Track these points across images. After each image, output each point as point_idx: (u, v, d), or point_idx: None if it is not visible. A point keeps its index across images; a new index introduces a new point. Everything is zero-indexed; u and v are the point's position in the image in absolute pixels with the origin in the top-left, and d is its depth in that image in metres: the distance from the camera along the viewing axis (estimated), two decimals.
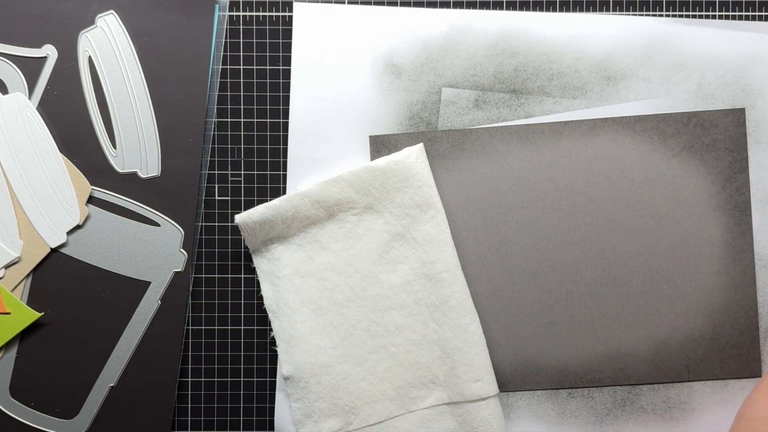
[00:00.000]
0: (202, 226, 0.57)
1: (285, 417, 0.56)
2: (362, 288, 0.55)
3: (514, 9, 0.57)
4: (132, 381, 0.55)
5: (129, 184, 0.55)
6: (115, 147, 0.55)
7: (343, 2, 0.57)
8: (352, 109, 0.56)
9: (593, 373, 0.56)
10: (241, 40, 0.57)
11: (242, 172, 0.57)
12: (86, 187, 0.55)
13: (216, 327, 0.57)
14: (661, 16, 0.57)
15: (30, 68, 0.55)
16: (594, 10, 0.57)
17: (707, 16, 0.57)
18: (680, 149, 0.56)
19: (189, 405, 0.57)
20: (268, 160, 0.57)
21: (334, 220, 0.55)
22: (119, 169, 0.55)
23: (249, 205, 0.57)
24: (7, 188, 0.55)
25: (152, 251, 0.55)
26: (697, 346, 0.56)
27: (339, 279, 0.55)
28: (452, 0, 0.56)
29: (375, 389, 0.55)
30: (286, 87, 0.57)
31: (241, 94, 0.57)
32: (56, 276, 0.55)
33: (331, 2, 0.57)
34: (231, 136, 0.57)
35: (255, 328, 0.57)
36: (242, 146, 0.57)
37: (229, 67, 0.57)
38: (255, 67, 0.57)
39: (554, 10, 0.57)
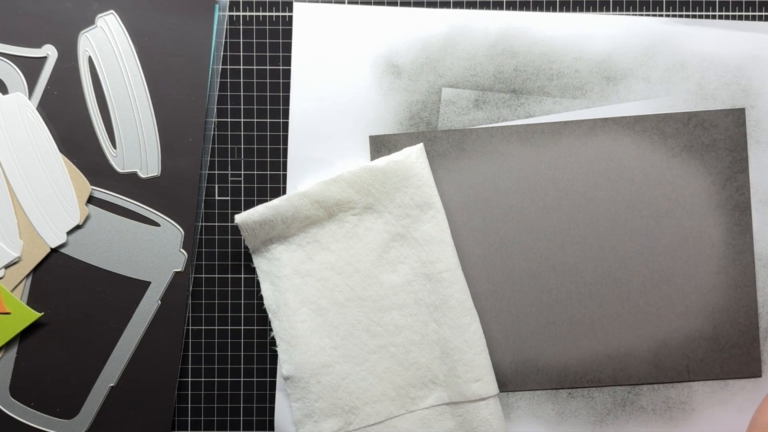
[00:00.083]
0: (202, 226, 0.57)
1: (285, 417, 0.56)
2: (362, 288, 0.55)
3: (514, 9, 0.57)
4: (132, 381, 0.55)
5: (129, 184, 0.55)
6: (115, 147, 0.55)
7: (343, 2, 0.57)
8: (352, 109, 0.56)
9: (593, 373, 0.56)
10: (241, 40, 0.57)
11: (242, 172, 0.57)
12: (86, 187, 0.55)
13: (216, 327, 0.57)
14: (661, 16, 0.57)
15: (30, 68, 0.55)
16: (594, 10, 0.57)
17: (707, 16, 0.57)
18: (680, 149, 0.56)
19: (189, 405, 0.57)
20: (268, 160, 0.57)
21: (334, 220, 0.55)
22: (119, 169, 0.55)
23: (249, 205, 0.57)
24: (7, 188, 0.55)
25: (152, 251, 0.55)
26: (697, 346, 0.56)
27: (339, 279, 0.55)
28: (452, 0, 0.56)
29: (375, 389, 0.55)
30: (286, 87, 0.57)
31: (241, 94, 0.57)
32: (56, 276, 0.55)
33: (331, 2, 0.57)
34: (231, 136, 0.57)
35: (255, 328, 0.57)
36: (242, 146, 0.57)
37: (229, 67, 0.57)
38: (255, 67, 0.57)
39: (554, 10, 0.57)
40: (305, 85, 0.56)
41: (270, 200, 0.56)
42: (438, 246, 0.54)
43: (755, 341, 0.56)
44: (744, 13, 0.57)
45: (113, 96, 0.55)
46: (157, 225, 0.55)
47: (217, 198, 0.57)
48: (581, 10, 0.57)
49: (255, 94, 0.57)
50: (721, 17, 0.57)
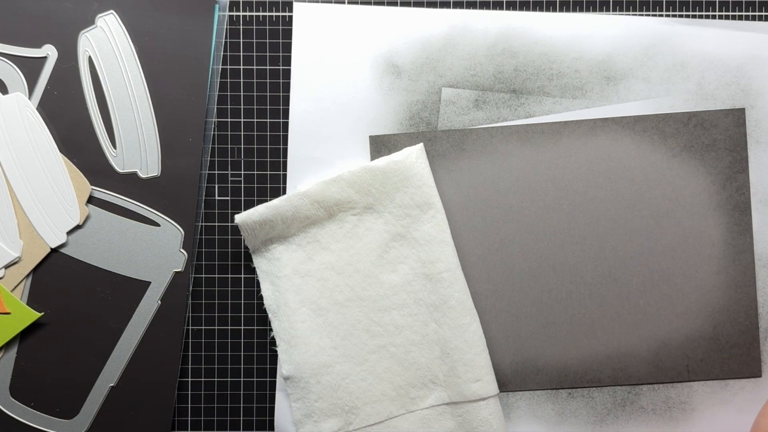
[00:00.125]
0: (202, 226, 0.57)
1: (285, 417, 0.56)
2: (362, 288, 0.55)
3: (514, 9, 0.57)
4: (132, 381, 0.55)
5: (129, 184, 0.55)
6: (115, 147, 0.55)
7: (343, 2, 0.57)
8: (352, 109, 0.56)
9: (593, 373, 0.56)
10: (241, 40, 0.57)
11: (242, 172, 0.57)
12: (86, 187, 0.55)
13: (216, 327, 0.57)
14: (661, 16, 0.57)
15: (30, 68, 0.55)
16: (594, 10, 0.57)
17: (707, 16, 0.57)
18: (680, 149, 0.56)
19: (189, 405, 0.57)
20: (268, 160, 0.57)
21: (334, 220, 0.55)
22: (119, 169, 0.55)
23: (249, 205, 0.57)
24: (7, 188, 0.55)
25: (152, 251, 0.55)
26: (697, 346, 0.56)
27: (339, 279, 0.55)
28: (452, 0, 0.56)
29: (375, 389, 0.55)
30: (286, 87, 0.57)
31: (241, 94, 0.57)
32: (56, 276, 0.55)
33: (331, 2, 0.57)
34: (231, 136, 0.57)
35: (255, 328, 0.57)
36: (242, 146, 0.57)
37: (229, 67, 0.57)
38: (255, 67, 0.57)
39: (554, 10, 0.57)
40: (305, 85, 0.56)
41: (270, 200, 0.56)
42: (438, 246, 0.54)
43: (755, 341, 0.56)
44: (744, 13, 0.57)
45: (113, 96, 0.55)
46: (157, 225, 0.55)
47: (217, 198, 0.57)
48: (581, 10, 0.57)
49: (255, 94, 0.57)
50: (721, 17, 0.57)
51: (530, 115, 0.56)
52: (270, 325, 0.56)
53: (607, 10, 0.57)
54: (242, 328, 0.57)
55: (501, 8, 0.57)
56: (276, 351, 0.56)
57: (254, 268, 0.56)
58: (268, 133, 0.57)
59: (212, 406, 0.57)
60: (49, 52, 0.55)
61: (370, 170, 0.54)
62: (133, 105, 0.55)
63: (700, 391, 0.56)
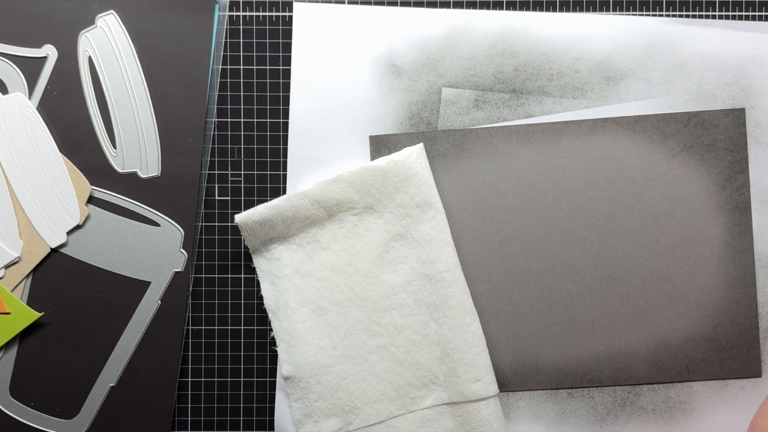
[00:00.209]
0: (202, 226, 0.57)
1: (285, 417, 0.56)
2: (362, 288, 0.55)
3: (514, 9, 0.57)
4: (132, 381, 0.55)
5: (129, 184, 0.55)
6: (115, 147, 0.55)
7: (343, 2, 0.57)
8: (352, 109, 0.56)
9: (593, 373, 0.56)
10: (241, 40, 0.57)
11: (242, 172, 0.57)
12: (86, 187, 0.55)
13: (216, 327, 0.57)
14: (661, 16, 0.57)
15: (30, 68, 0.55)
16: (594, 10, 0.57)
17: (707, 16, 0.57)
18: (680, 149, 0.56)
19: (189, 405, 0.57)
20: (268, 160, 0.57)
21: (334, 220, 0.55)
22: (119, 169, 0.55)
23: (249, 205, 0.57)
24: (7, 188, 0.55)
25: (152, 251, 0.55)
26: (697, 346, 0.56)
27: (339, 279, 0.55)
28: (452, 0, 0.56)
29: (375, 389, 0.55)
30: (286, 87, 0.57)
31: (241, 94, 0.57)
32: (56, 276, 0.55)
33: (331, 2, 0.57)
34: (231, 136, 0.57)
35: (255, 328, 0.57)
36: (242, 146, 0.57)
37: (229, 67, 0.57)
38: (255, 67, 0.57)
39: (554, 10, 0.57)
40: (305, 85, 0.56)
41: (270, 200, 0.56)
42: (438, 246, 0.54)
43: (755, 341, 0.56)
44: (744, 13, 0.57)
45: (113, 96, 0.55)
46: (157, 225, 0.55)
47: (217, 198, 0.57)
48: (581, 10, 0.57)
49: (255, 94, 0.57)
50: (721, 17, 0.57)
51: (530, 115, 0.56)
52: (270, 325, 0.56)
53: (607, 10, 0.57)
54: (242, 328, 0.57)
55: (501, 8, 0.57)
56: (276, 351, 0.56)
57: (254, 268, 0.56)
58: (268, 133, 0.57)
59: (212, 406, 0.57)
60: (49, 52, 0.55)
61: (370, 170, 0.54)
62: (133, 105, 0.55)
63: (700, 391, 0.56)
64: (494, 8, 0.57)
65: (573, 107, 0.56)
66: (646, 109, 0.56)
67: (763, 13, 0.57)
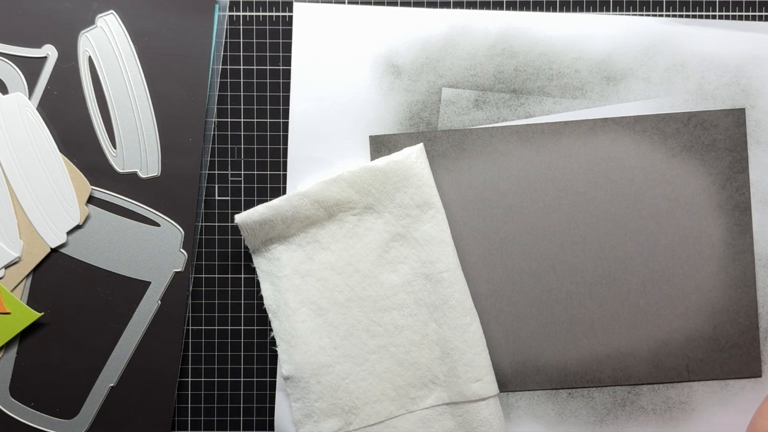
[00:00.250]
0: (202, 226, 0.57)
1: (285, 417, 0.56)
2: (362, 288, 0.55)
3: (514, 9, 0.57)
4: (132, 381, 0.55)
5: (129, 184, 0.55)
6: (115, 147, 0.55)
7: (343, 2, 0.57)
8: (352, 109, 0.56)
9: (593, 373, 0.56)
10: (241, 40, 0.57)
11: (242, 172, 0.57)
12: (86, 187, 0.55)
13: (216, 327, 0.57)
14: (661, 16, 0.57)
15: (30, 68, 0.55)
16: (594, 10, 0.57)
17: (707, 16, 0.57)
18: (680, 149, 0.56)
19: (189, 405, 0.57)
20: (268, 160, 0.57)
21: (334, 220, 0.55)
22: (119, 169, 0.55)
23: (249, 205, 0.57)
24: (7, 188, 0.55)
25: (152, 251, 0.55)
26: (697, 346, 0.56)
27: (339, 279, 0.55)
28: (452, 0, 0.56)
29: (375, 389, 0.55)
30: (286, 87, 0.57)
31: (241, 94, 0.57)
32: (56, 276, 0.55)
33: (331, 2, 0.57)
34: (231, 136, 0.57)
35: (255, 328, 0.57)
36: (242, 146, 0.57)
37: (229, 67, 0.57)
38: (255, 67, 0.57)
39: (554, 10, 0.57)
40: (305, 85, 0.56)
41: (270, 200, 0.56)
42: (438, 246, 0.54)
43: (755, 341, 0.56)
44: (744, 13, 0.57)
45: (113, 96, 0.55)
46: (157, 225, 0.55)
47: (217, 198, 0.57)
48: (581, 10, 0.57)
49: (255, 94, 0.57)
50: (721, 17, 0.57)
51: (530, 115, 0.56)
52: (270, 325, 0.56)
53: (607, 10, 0.57)
54: (242, 328, 0.57)
55: (501, 8, 0.57)
56: (276, 351, 0.56)
57: (254, 268, 0.56)
58: (268, 133, 0.57)
59: (212, 406, 0.57)
60: (49, 52, 0.55)
61: (370, 170, 0.54)
62: (133, 105, 0.55)
63: (700, 391, 0.56)
64: (494, 8, 0.57)
65: (573, 107, 0.56)
66: (646, 109, 0.56)
67: (763, 13, 0.57)
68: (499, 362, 0.56)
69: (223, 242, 0.57)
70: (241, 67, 0.57)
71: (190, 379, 0.57)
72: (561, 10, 0.57)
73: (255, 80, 0.57)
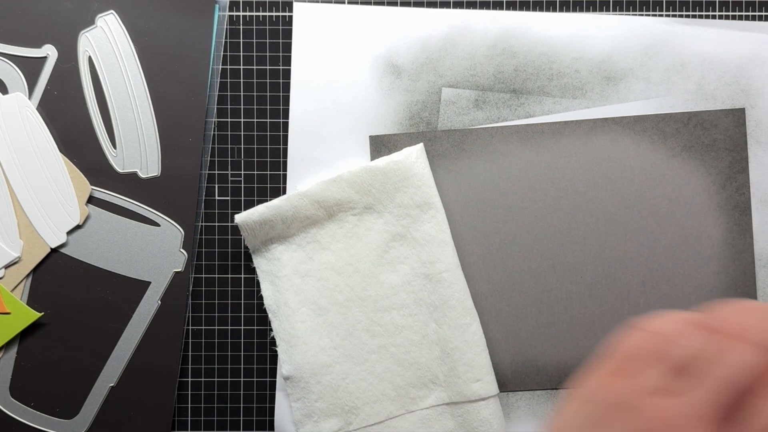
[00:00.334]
0: (202, 226, 0.57)
1: (285, 417, 0.56)
2: (362, 288, 0.55)
3: (514, 9, 0.57)
4: (132, 381, 0.55)
5: (129, 184, 0.55)
6: (115, 147, 0.55)
7: (343, 2, 0.57)
8: (352, 109, 0.56)
9: None
10: (241, 40, 0.57)
11: (242, 172, 0.57)
12: (86, 187, 0.55)
13: (216, 327, 0.57)
14: (661, 16, 0.57)
15: (30, 68, 0.55)
16: (594, 10, 0.57)
17: (707, 16, 0.57)
18: (680, 149, 0.56)
19: (189, 405, 0.57)
20: (268, 160, 0.57)
21: (334, 220, 0.55)
22: (119, 169, 0.55)
23: (249, 205, 0.57)
24: (7, 188, 0.55)
25: (152, 251, 0.55)
26: None
27: (339, 279, 0.55)
28: (452, 0, 0.56)
29: (375, 389, 0.55)
30: (286, 87, 0.57)
31: (241, 94, 0.57)
32: (56, 276, 0.55)
33: (331, 2, 0.57)
34: (231, 136, 0.57)
35: (255, 328, 0.57)
36: (242, 146, 0.57)
37: (229, 67, 0.57)
38: (255, 67, 0.57)
39: (554, 10, 0.57)
40: (305, 85, 0.56)
41: (270, 200, 0.56)
42: (438, 246, 0.54)
43: None
44: (744, 13, 0.57)
45: (113, 96, 0.55)
46: (157, 225, 0.55)
47: (217, 198, 0.57)
48: (581, 10, 0.57)
49: (255, 94, 0.57)
50: (721, 17, 0.57)
51: (530, 115, 0.56)
52: (270, 325, 0.56)
53: (607, 10, 0.57)
54: (242, 328, 0.57)
55: (501, 8, 0.57)
56: (276, 351, 0.56)
57: (254, 268, 0.56)
58: (268, 133, 0.57)
59: (212, 406, 0.57)
60: (49, 52, 0.55)
61: (370, 170, 0.54)
62: (133, 105, 0.55)
63: None
64: (494, 8, 0.57)
65: (573, 107, 0.56)
66: (646, 109, 0.56)
67: (763, 13, 0.57)
68: (499, 362, 0.56)
69: (223, 242, 0.57)
70: (241, 67, 0.57)
71: (190, 379, 0.57)
72: (561, 10, 0.57)
73: (255, 80, 0.57)
